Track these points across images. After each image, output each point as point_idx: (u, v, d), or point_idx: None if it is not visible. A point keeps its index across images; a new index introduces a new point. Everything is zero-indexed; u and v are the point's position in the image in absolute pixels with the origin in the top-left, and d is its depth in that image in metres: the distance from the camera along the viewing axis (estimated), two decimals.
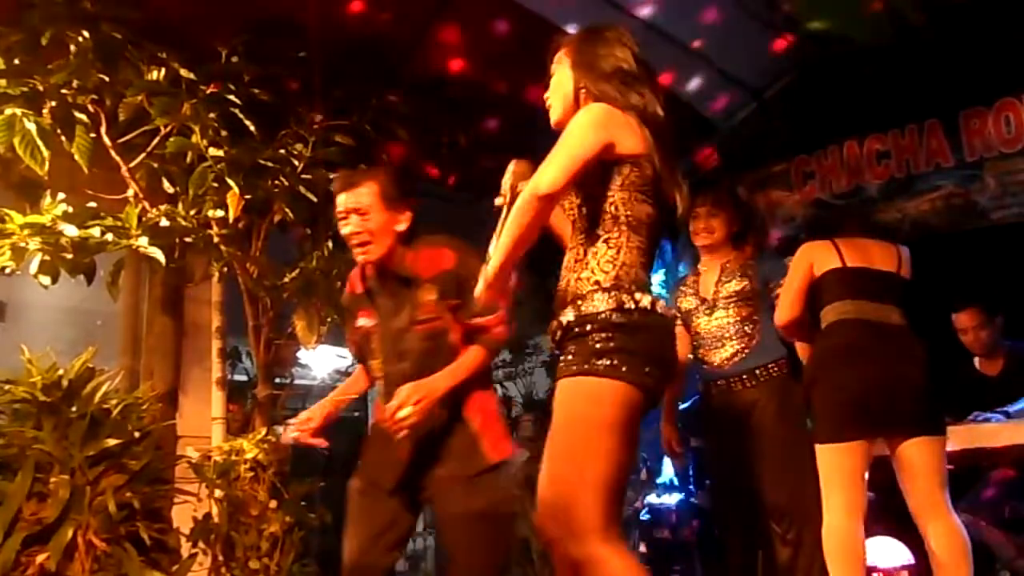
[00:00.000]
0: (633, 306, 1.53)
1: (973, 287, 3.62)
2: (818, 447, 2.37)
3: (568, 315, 1.57)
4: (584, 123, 1.56)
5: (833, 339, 2.44)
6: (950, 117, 4.23)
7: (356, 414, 5.60)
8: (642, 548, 3.95)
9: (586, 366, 1.50)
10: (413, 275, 2.01)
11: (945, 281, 3.92)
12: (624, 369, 1.49)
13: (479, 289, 1.57)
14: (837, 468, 2.33)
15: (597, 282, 1.56)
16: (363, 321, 2.09)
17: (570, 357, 1.54)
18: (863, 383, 2.34)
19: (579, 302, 1.56)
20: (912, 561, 3.07)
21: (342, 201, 2.02)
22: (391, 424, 1.83)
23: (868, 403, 2.33)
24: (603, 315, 1.52)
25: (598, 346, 1.51)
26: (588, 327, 1.53)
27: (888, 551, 3.07)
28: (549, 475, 1.52)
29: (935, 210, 4.31)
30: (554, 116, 1.74)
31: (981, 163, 4.16)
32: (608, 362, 1.49)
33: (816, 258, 2.54)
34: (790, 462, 2.60)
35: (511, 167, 1.70)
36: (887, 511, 3.18)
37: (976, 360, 3.49)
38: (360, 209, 2.00)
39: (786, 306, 2.54)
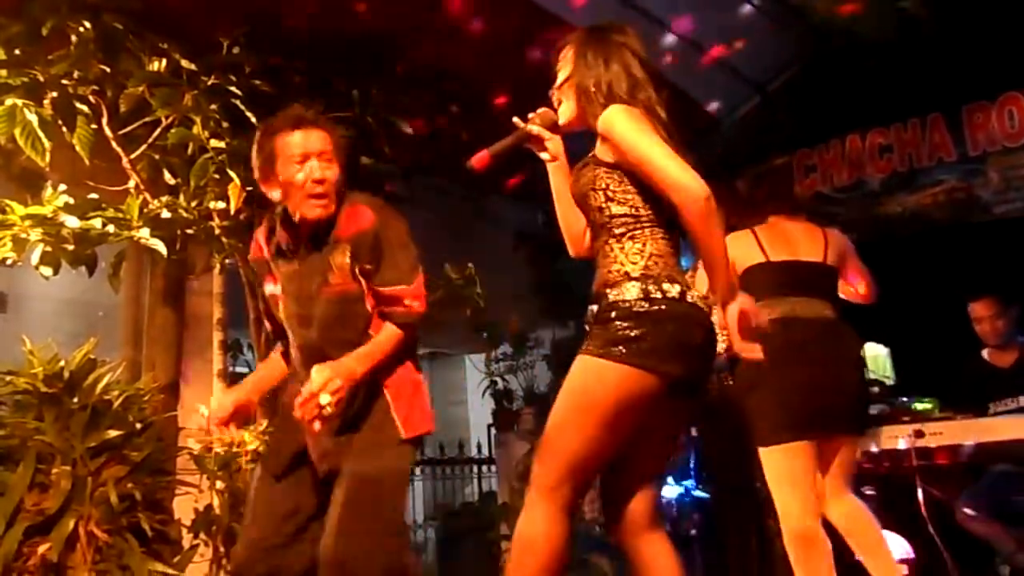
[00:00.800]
0: (660, 295, 1.54)
1: (975, 281, 3.62)
2: (765, 450, 2.29)
3: (600, 304, 1.60)
4: (634, 124, 1.58)
5: (769, 339, 2.37)
6: (953, 111, 4.22)
7: None
8: None
9: (602, 350, 1.53)
10: (330, 236, 1.81)
11: (947, 275, 3.93)
12: (640, 357, 1.51)
13: (734, 328, 1.56)
14: (790, 469, 2.26)
15: (626, 273, 1.59)
16: (271, 287, 1.90)
17: (591, 338, 1.57)
18: (812, 382, 2.29)
19: (608, 291, 1.59)
20: (911, 555, 3.08)
21: (302, 140, 1.78)
22: (304, 411, 1.66)
23: (818, 402, 2.28)
24: (628, 303, 1.55)
25: (619, 333, 1.53)
26: (613, 314, 1.55)
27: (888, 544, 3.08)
28: (542, 440, 1.60)
29: (937, 204, 4.30)
30: (565, 115, 1.75)
31: (984, 157, 4.16)
32: (624, 350, 1.52)
33: (736, 253, 2.35)
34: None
35: (540, 110, 1.77)
36: (886, 505, 3.19)
37: (985, 352, 3.49)
38: (325, 153, 1.79)
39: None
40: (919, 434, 3.13)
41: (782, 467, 2.27)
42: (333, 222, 1.82)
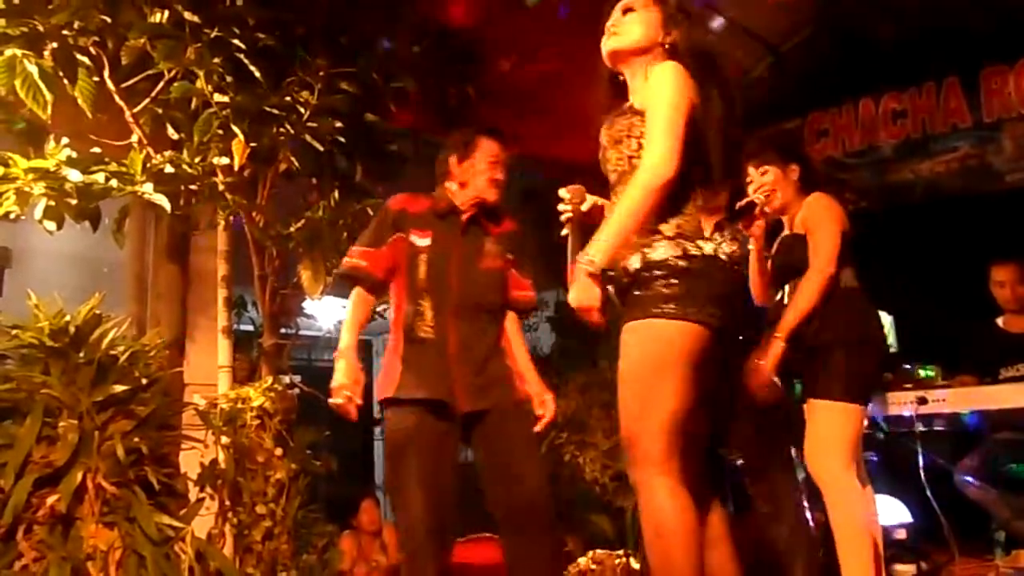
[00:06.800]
0: (697, 253, 1.64)
1: (983, 250, 3.59)
2: (844, 406, 2.33)
3: (634, 262, 1.66)
4: (672, 86, 1.65)
5: (862, 302, 2.45)
6: (970, 75, 4.14)
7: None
8: None
9: (655, 309, 1.61)
10: (483, 225, 2.41)
11: (954, 243, 3.90)
12: (689, 310, 1.60)
13: (580, 282, 1.63)
14: (857, 432, 2.35)
15: (659, 231, 1.65)
16: (418, 238, 2.34)
17: (638, 301, 1.64)
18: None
19: (645, 250, 1.65)
20: (910, 520, 3.11)
21: (498, 149, 2.40)
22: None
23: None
24: (669, 261, 1.63)
25: (665, 291, 1.62)
26: (655, 272, 1.63)
27: (887, 510, 3.11)
28: (622, 414, 1.64)
29: (950, 172, 4.25)
30: (617, 43, 1.81)
31: (999, 124, 4.09)
32: (675, 305, 1.60)
33: (843, 215, 2.51)
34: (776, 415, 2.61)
35: (565, 194, 1.86)
36: (886, 470, 3.22)
37: (1000, 320, 3.48)
38: (504, 164, 2.42)
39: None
40: (922, 401, 3.14)
41: (857, 427, 2.36)
42: (486, 217, 2.41)
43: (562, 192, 1.87)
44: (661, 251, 1.64)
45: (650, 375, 1.60)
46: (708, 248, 1.65)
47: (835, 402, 2.33)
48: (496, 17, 3.62)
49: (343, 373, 2.20)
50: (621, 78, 1.87)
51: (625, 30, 1.80)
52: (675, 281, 1.61)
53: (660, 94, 1.65)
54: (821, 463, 2.33)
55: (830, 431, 2.33)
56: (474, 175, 2.38)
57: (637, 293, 1.64)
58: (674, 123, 1.61)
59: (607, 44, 1.83)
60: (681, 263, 1.62)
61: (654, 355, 1.60)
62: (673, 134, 1.61)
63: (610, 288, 1.74)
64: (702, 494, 1.75)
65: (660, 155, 1.60)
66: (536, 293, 2.61)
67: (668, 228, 1.66)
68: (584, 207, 1.87)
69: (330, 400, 2.21)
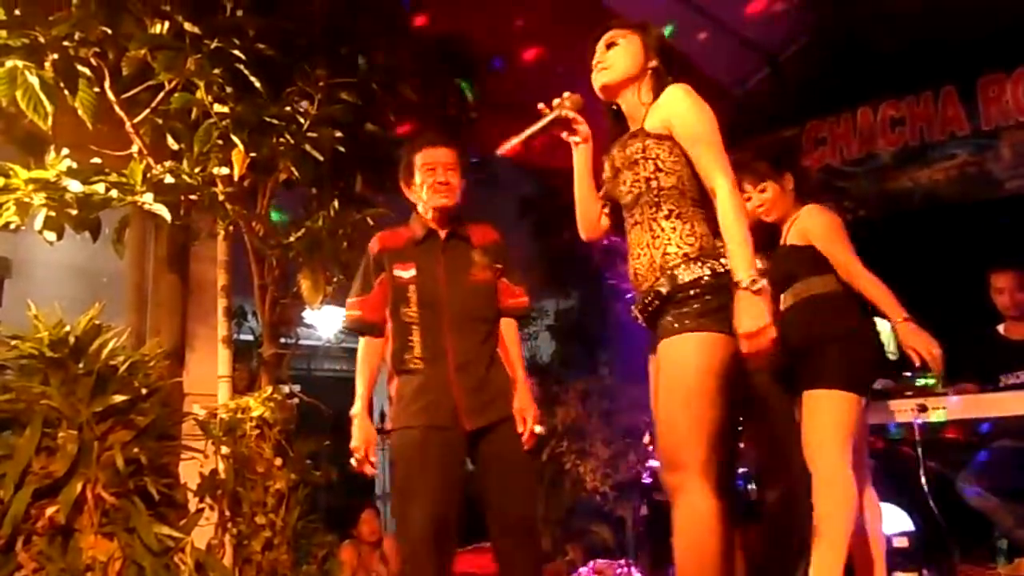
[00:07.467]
0: (722, 270, 1.73)
1: (983, 257, 3.60)
2: (840, 394, 2.34)
3: (664, 286, 1.76)
4: (698, 103, 1.78)
5: (850, 300, 2.47)
6: (967, 83, 4.15)
7: None
8: (643, 510, 4.00)
9: (696, 324, 1.71)
10: (465, 238, 2.43)
11: (954, 251, 3.90)
12: (725, 323, 1.69)
13: (753, 305, 1.64)
14: (853, 422, 2.34)
15: (686, 255, 1.76)
16: (401, 272, 2.39)
17: (675, 319, 1.74)
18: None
19: (673, 273, 1.75)
20: (912, 528, 3.10)
21: (434, 154, 2.40)
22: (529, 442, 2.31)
23: None
24: (703, 281, 1.72)
25: (700, 306, 1.71)
26: (692, 292, 1.72)
27: (889, 517, 3.10)
28: (668, 423, 1.71)
29: (948, 179, 4.26)
30: (608, 77, 1.89)
31: (997, 132, 4.11)
32: (712, 319, 1.70)
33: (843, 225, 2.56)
34: (789, 423, 2.60)
35: (567, 94, 1.90)
36: (887, 478, 3.21)
37: (1001, 327, 3.49)
38: (450, 165, 2.42)
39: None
40: (922, 408, 3.14)
41: (853, 417, 2.36)
42: (467, 230, 2.44)
43: (566, 93, 1.91)
44: (690, 272, 1.73)
45: (696, 385, 1.68)
46: (729, 265, 1.72)
47: (831, 391, 2.34)
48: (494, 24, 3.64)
49: (354, 436, 2.33)
50: (615, 107, 1.95)
51: (613, 63, 1.89)
52: (709, 298, 1.70)
53: (691, 114, 1.77)
54: (816, 451, 2.34)
55: (826, 420, 2.33)
56: (422, 189, 2.40)
57: (672, 312, 1.73)
58: (718, 136, 1.75)
59: (598, 80, 1.92)
60: (712, 281, 1.72)
61: (699, 366, 1.69)
62: (721, 145, 1.75)
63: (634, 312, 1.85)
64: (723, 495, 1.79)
65: (729, 168, 1.72)
66: (536, 302, 2.62)
67: (692, 250, 1.75)
68: (570, 113, 1.90)
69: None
